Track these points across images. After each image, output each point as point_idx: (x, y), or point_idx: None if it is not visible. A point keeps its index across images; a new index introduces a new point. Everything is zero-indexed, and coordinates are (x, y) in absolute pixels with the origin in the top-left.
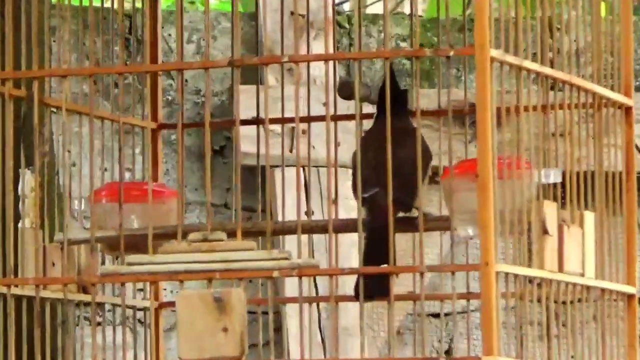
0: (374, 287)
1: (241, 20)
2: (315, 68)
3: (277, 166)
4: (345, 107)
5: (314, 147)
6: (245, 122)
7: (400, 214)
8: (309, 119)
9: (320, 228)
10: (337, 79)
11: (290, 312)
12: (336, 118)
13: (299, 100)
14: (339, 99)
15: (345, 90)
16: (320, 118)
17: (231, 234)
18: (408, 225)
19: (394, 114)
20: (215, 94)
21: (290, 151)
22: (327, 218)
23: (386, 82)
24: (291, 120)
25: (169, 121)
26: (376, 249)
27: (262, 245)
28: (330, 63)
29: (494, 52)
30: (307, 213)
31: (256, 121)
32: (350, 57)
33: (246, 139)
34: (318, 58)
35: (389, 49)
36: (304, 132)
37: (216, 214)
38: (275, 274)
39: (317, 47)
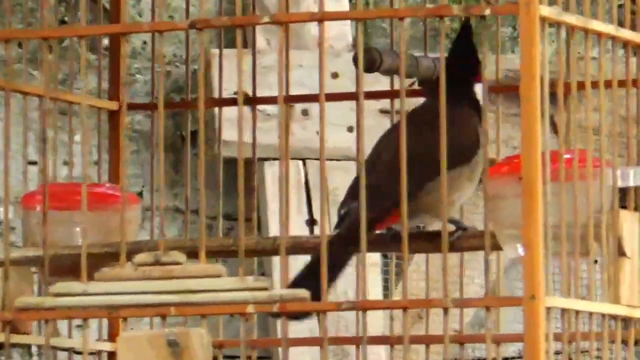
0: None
1: None
2: (333, 27)
3: (268, 159)
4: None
5: (317, 134)
6: (226, 102)
7: (418, 228)
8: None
9: (313, 247)
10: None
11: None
12: (355, 97)
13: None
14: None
15: (365, 60)
16: (327, 97)
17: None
18: (428, 242)
19: (450, 95)
20: (184, 61)
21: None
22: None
23: (401, 51)
24: (290, 98)
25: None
26: (313, 276)
27: (258, 268)
28: (332, 24)
29: (546, 10)
30: (309, 223)
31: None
32: (352, 17)
33: (228, 123)
34: (312, 17)
35: (403, 7)
36: (304, 113)
37: (185, 225)
38: (250, 308)
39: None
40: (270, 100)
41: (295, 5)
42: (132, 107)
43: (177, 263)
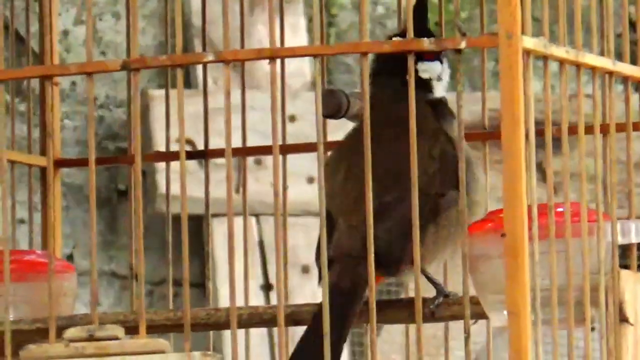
0: None
1: None
2: (289, 62)
3: (218, 215)
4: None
5: (271, 186)
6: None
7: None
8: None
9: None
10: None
11: None
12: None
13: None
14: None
15: (330, 104)
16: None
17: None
18: (401, 311)
19: (396, 92)
20: (119, 104)
21: (237, 191)
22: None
23: (364, 91)
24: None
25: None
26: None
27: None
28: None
29: (530, 42)
30: (265, 288)
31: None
32: (308, 53)
33: (175, 175)
34: (261, 55)
35: (366, 40)
36: (257, 162)
37: (123, 291)
38: None
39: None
40: (219, 153)
41: (246, 37)
42: (63, 163)
43: (115, 338)
